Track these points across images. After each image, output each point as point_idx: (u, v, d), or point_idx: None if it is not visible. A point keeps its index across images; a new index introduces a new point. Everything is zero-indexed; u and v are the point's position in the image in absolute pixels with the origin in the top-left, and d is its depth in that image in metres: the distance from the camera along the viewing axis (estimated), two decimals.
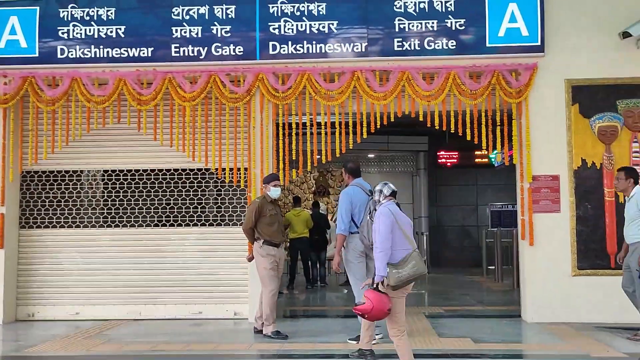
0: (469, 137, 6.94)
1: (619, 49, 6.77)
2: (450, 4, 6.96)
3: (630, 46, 6.74)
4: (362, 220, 5.51)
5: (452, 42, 6.94)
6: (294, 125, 7.10)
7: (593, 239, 6.66)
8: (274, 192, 6.21)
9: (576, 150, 6.78)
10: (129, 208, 7.46)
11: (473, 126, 6.92)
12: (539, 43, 6.82)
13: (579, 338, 5.84)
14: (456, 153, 15.48)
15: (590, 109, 6.80)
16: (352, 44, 7.03)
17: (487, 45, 6.90)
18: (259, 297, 6.27)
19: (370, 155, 14.44)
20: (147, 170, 7.45)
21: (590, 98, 6.80)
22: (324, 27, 7.04)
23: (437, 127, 6.96)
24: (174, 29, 7.08)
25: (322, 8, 7.05)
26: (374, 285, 4.26)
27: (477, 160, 15.47)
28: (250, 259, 6.40)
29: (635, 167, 6.27)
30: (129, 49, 7.08)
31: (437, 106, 6.90)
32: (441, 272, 13.20)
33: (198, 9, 7.10)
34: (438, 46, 6.95)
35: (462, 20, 6.94)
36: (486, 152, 14.19)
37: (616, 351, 5.29)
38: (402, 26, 6.99)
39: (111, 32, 7.11)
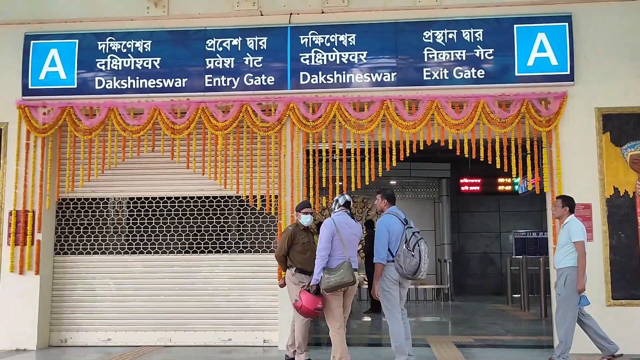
0: (498, 165, 6.96)
1: None
2: (479, 34, 7.06)
3: None
4: (397, 249, 5.54)
5: (481, 72, 7.02)
6: (324, 153, 7.18)
7: (628, 268, 6.59)
8: (305, 219, 6.25)
9: (608, 179, 6.76)
10: (160, 235, 7.56)
11: (502, 154, 6.93)
12: (568, 72, 6.87)
13: None
14: (479, 180, 15.47)
15: (621, 137, 6.80)
16: (381, 74, 7.14)
17: (516, 74, 6.96)
18: (291, 324, 6.27)
19: (392, 182, 14.46)
20: (179, 197, 7.57)
21: (621, 126, 6.80)
22: (353, 57, 7.18)
23: (466, 155, 7.00)
24: (207, 60, 7.27)
25: (352, 39, 7.20)
26: (311, 288, 5.18)
27: (499, 187, 15.43)
28: (282, 285, 6.42)
29: None
30: (163, 80, 7.27)
31: (466, 134, 6.95)
32: (464, 300, 13.09)
33: (231, 41, 7.28)
34: (467, 75, 7.03)
35: (491, 50, 7.03)
36: (512, 180, 14.27)
37: None
38: (430, 56, 7.10)
39: (147, 63, 7.32)
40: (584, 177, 6.79)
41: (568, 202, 5.99)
